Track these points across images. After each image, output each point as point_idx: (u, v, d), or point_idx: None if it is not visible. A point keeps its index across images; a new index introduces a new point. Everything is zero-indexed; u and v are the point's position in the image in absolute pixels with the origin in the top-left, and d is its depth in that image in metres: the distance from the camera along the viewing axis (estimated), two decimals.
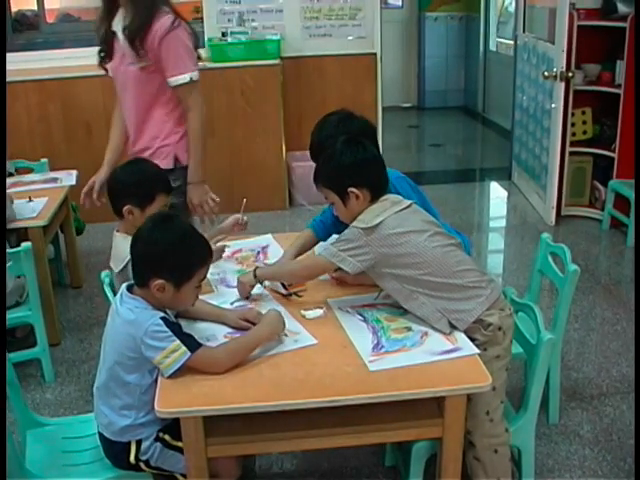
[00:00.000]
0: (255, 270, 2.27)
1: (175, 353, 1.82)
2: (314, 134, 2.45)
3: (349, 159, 2.13)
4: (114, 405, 1.95)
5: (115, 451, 2.00)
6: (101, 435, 2.02)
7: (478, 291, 2.08)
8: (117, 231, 2.45)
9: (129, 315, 1.88)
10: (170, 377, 1.84)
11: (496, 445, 2.09)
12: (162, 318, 1.86)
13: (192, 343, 1.86)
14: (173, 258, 1.88)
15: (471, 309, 2.05)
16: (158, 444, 1.97)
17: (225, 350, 1.91)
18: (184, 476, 1.97)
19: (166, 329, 1.84)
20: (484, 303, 2.06)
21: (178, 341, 1.83)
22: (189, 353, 1.83)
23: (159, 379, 1.86)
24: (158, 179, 2.43)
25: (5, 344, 2.18)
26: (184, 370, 1.86)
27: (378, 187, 2.15)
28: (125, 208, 2.38)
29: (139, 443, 1.96)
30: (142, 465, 1.99)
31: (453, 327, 2.04)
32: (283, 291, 2.30)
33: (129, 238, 2.37)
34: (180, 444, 1.89)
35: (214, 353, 1.90)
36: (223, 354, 1.89)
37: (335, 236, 2.35)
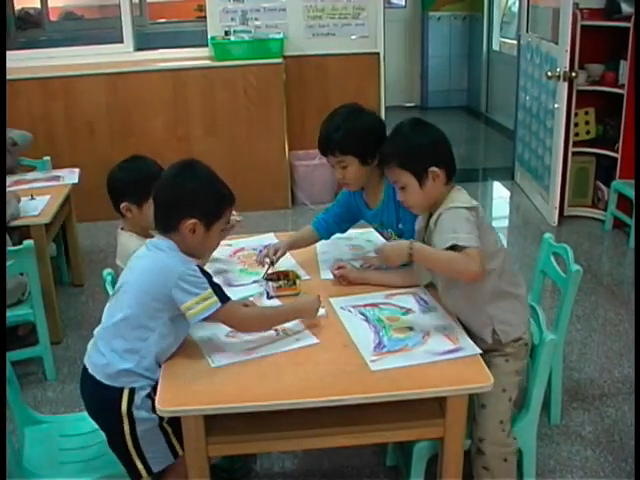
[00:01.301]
0: (412, 244, 1.99)
1: (207, 301, 1.85)
2: (323, 126, 2.43)
3: (426, 138, 2.09)
4: (117, 347, 1.91)
5: (105, 397, 1.91)
6: (91, 380, 1.94)
7: (523, 307, 2.13)
8: (121, 229, 2.46)
9: (162, 256, 1.91)
10: (198, 323, 1.90)
11: (506, 454, 2.10)
12: (197, 266, 1.90)
13: (223, 295, 1.90)
14: (204, 196, 1.93)
15: (518, 324, 2.10)
16: (156, 417, 1.89)
17: (257, 312, 2.02)
18: (151, 473, 1.96)
19: (201, 275, 1.88)
20: (527, 323, 2.12)
21: (211, 289, 1.87)
22: (220, 304, 1.87)
23: (160, 376, 1.86)
24: (154, 175, 2.43)
25: (5, 343, 2.18)
26: (185, 366, 1.88)
27: (453, 168, 2.10)
28: (122, 205, 2.40)
29: (132, 393, 1.90)
30: (126, 429, 1.90)
31: (495, 336, 2.07)
32: (272, 292, 2.29)
33: (134, 235, 2.40)
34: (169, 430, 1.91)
35: (245, 312, 1.98)
36: (254, 315, 1.99)
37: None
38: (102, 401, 1.94)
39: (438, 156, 2.06)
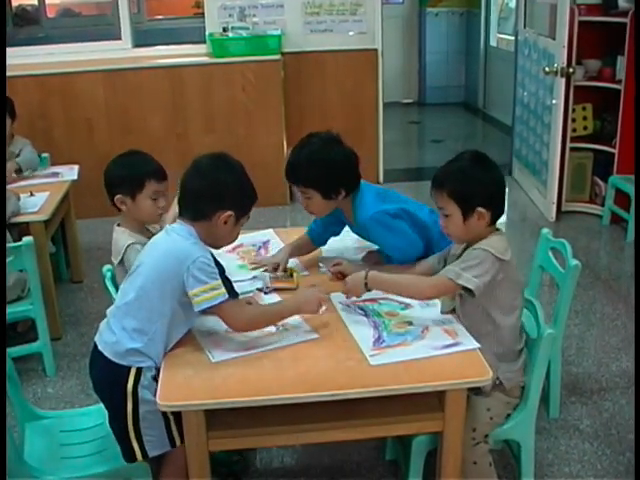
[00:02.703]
0: (368, 273, 2.09)
1: (215, 291, 1.88)
2: (293, 153, 2.35)
3: (483, 178, 2.06)
4: (127, 325, 1.93)
5: (112, 375, 1.94)
6: (101, 357, 1.96)
7: (522, 358, 2.17)
8: (117, 225, 2.47)
9: (180, 241, 1.93)
10: (202, 312, 1.92)
11: (475, 457, 2.11)
12: (212, 255, 1.94)
13: (231, 290, 1.95)
14: (242, 190, 2.00)
15: (518, 377, 2.14)
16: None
17: (260, 311, 2.05)
18: (146, 457, 1.97)
19: (214, 266, 1.91)
20: (523, 369, 2.16)
21: (220, 281, 1.90)
22: (227, 296, 1.89)
23: (160, 372, 1.87)
24: (146, 166, 2.45)
25: (6, 339, 2.18)
26: (186, 361, 1.89)
27: (501, 212, 2.10)
28: (117, 198, 2.41)
29: (139, 372, 1.92)
30: (129, 408, 1.91)
31: (497, 384, 2.10)
32: (269, 283, 2.31)
33: (127, 232, 2.41)
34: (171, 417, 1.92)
35: (245, 309, 2.01)
36: (257, 314, 2.01)
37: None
38: (109, 378, 1.96)
39: (489, 198, 2.05)
